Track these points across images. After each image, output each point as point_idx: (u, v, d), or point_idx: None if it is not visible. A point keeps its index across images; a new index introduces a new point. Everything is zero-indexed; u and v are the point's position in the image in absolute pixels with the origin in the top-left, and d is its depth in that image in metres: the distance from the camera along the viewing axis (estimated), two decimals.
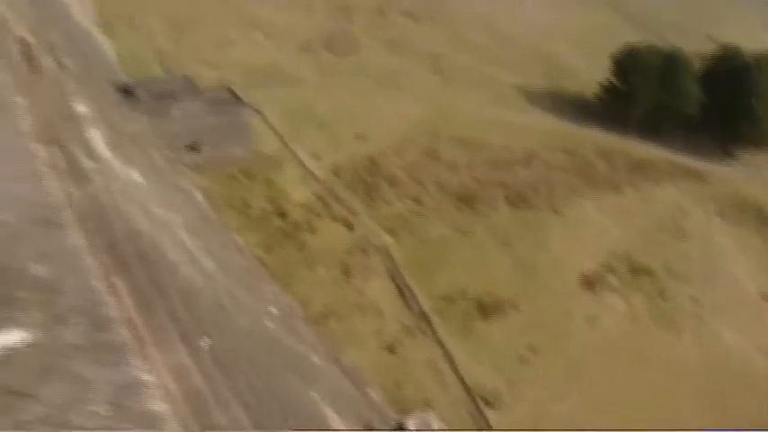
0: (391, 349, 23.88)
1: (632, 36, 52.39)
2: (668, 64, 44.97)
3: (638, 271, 30.66)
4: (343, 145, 34.26)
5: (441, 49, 50.04)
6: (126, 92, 33.56)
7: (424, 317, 25.56)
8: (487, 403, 22.73)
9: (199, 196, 24.64)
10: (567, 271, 29.51)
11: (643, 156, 40.26)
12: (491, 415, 22.40)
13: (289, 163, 32.04)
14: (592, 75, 47.93)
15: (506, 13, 58.46)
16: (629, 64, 45.12)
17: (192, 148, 30.61)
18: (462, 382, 23.38)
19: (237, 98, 37.21)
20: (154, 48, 42.59)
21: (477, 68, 48.00)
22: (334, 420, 7.17)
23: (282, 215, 28.53)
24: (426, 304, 26.03)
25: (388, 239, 28.79)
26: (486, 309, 26.40)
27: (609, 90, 46.24)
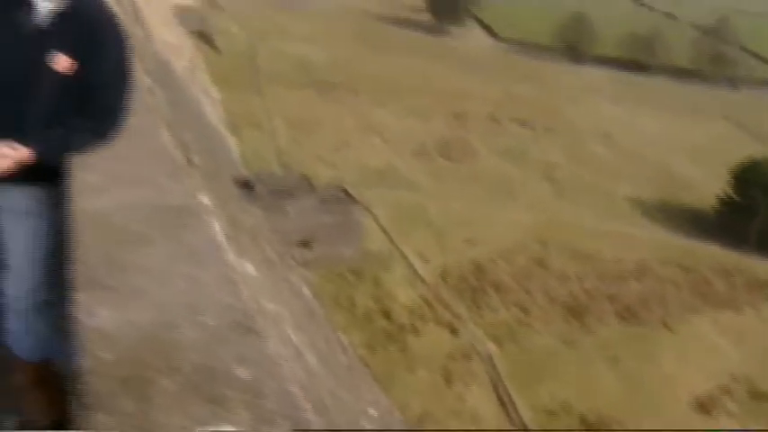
0: None
1: (752, 148, 51.39)
2: None
3: (759, 397, 29.16)
4: (452, 249, 35.08)
5: (554, 159, 50.78)
6: (246, 186, 35.97)
7: (524, 429, 25.29)
8: None
9: (307, 292, 25.89)
10: (679, 391, 28.50)
11: (763, 274, 38.77)
12: None
13: (397, 264, 33.07)
14: (709, 188, 47.14)
15: (622, 123, 58.88)
16: (749, 177, 44.06)
17: (305, 244, 32.21)
18: None
19: (351, 198, 38.93)
20: (275, 146, 45.62)
21: (591, 179, 48.28)
22: None
23: (387, 316, 29.32)
24: (527, 416, 25.79)
25: (492, 347, 28.95)
26: (591, 426, 25.82)
27: (727, 204, 45.13)
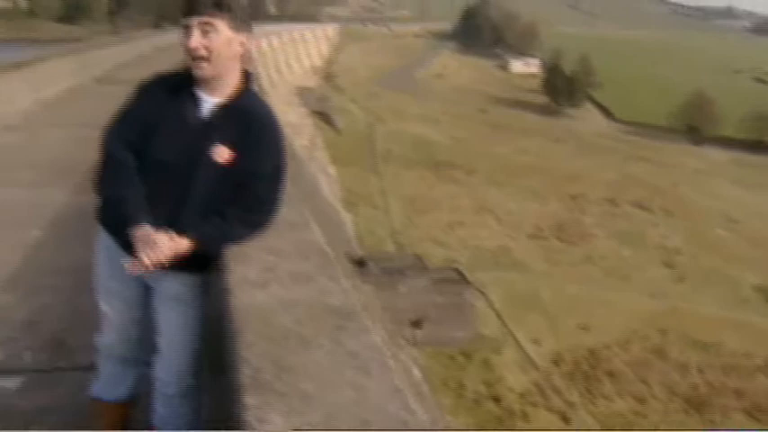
0: None
1: None
2: None
3: None
4: (566, 334, 34.86)
5: (674, 242, 49.63)
6: (359, 264, 37.26)
7: None
8: None
9: (416, 373, 26.45)
10: None
11: None
12: None
13: (508, 348, 33.19)
14: None
15: (746, 206, 56.99)
16: None
17: (415, 324, 32.87)
18: None
19: (464, 279, 39.37)
20: (389, 225, 46.95)
21: (713, 264, 46.74)
22: None
23: (497, 400, 29.37)
24: None
25: None
26: None
27: None
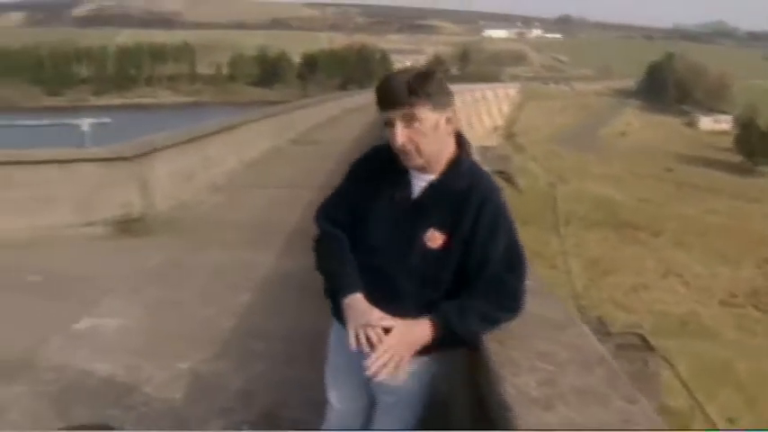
0: None
1: None
2: None
3: None
4: (765, 413, 33.27)
5: None
6: None
7: None
8: None
9: None
10: None
11: None
12: None
13: (698, 424, 32.15)
14: None
15: None
16: None
17: None
18: None
19: (647, 345, 38.42)
20: (570, 287, 46.63)
21: None
22: None
23: None
24: None
25: None
26: None
27: None
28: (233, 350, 4.84)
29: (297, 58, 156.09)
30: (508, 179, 64.65)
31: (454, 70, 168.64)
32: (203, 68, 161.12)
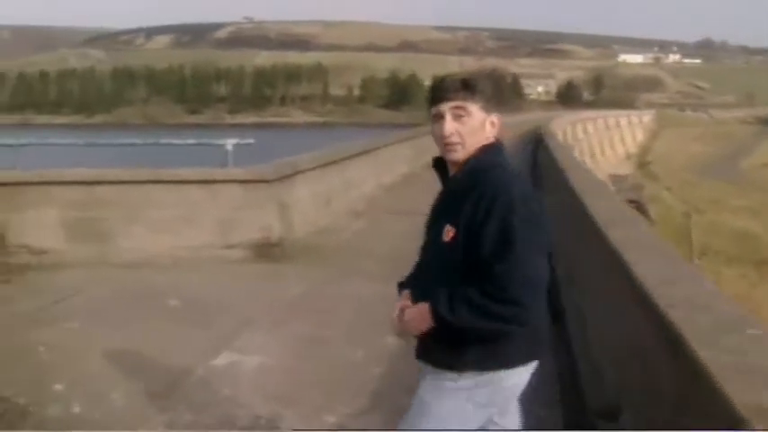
0: None
1: None
2: None
3: None
4: None
5: None
6: None
7: None
8: None
9: None
10: None
11: None
12: None
13: None
14: None
15: None
16: None
17: None
18: None
19: None
20: None
21: None
22: None
23: None
24: None
25: None
26: None
27: None
28: (384, 404, 4.35)
29: (427, 81, 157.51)
30: (640, 208, 61.97)
31: (586, 95, 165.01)
32: (335, 90, 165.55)
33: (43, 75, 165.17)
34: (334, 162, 10.82)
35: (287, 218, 8.45)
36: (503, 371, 2.29)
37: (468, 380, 2.28)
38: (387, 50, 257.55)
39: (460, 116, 2.29)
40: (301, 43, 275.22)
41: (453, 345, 2.26)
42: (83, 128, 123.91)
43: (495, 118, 2.36)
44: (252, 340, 5.51)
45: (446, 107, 2.29)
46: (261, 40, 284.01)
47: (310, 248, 8.53)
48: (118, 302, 6.39)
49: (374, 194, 13.10)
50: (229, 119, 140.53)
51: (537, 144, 30.12)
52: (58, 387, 4.49)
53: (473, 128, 2.30)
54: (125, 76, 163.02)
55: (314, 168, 9.65)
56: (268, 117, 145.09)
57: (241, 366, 5.00)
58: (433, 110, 2.33)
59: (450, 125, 2.28)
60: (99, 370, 4.83)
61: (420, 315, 2.28)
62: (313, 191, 9.66)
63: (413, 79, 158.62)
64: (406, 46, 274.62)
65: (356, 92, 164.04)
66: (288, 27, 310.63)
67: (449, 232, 2.27)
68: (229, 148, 7.99)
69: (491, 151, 2.35)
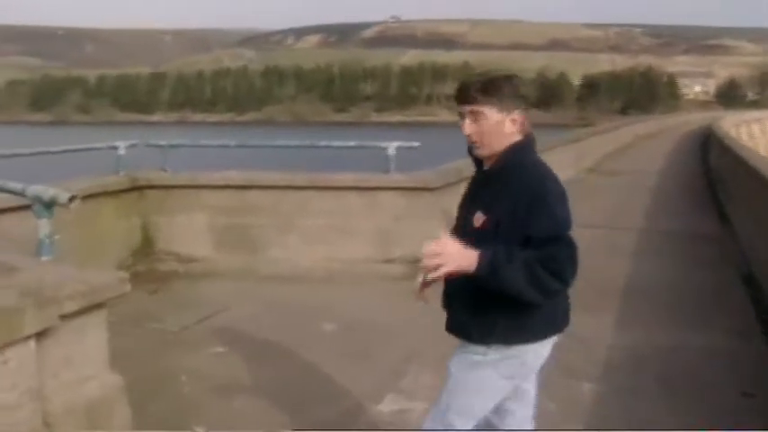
0: None
1: None
2: None
3: None
4: None
5: None
6: None
7: None
8: None
9: None
10: None
11: None
12: None
13: None
14: None
15: None
16: None
17: None
18: None
19: None
20: None
21: None
22: None
23: None
24: None
25: None
26: None
27: None
28: None
29: (576, 81, 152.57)
30: None
31: (751, 95, 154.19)
32: None
33: (199, 75, 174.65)
34: None
35: (450, 229, 7.65)
36: (528, 345, 2.50)
37: (495, 353, 2.50)
38: (534, 49, 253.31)
39: (478, 118, 2.47)
40: (447, 42, 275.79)
41: (484, 319, 2.47)
42: (234, 125, 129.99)
43: (516, 116, 2.49)
44: (419, 381, 4.71)
45: (464, 110, 2.49)
46: (407, 39, 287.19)
47: None
48: (267, 324, 5.80)
49: None
50: (375, 117, 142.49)
51: (706, 145, 27.86)
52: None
53: (489, 128, 2.47)
54: (275, 75, 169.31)
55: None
56: (413, 116, 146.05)
57: (408, 416, 4.22)
58: (458, 109, 2.53)
59: (468, 127, 2.49)
60: (244, 409, 4.24)
61: (465, 253, 2.32)
62: None
63: (562, 78, 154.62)
64: (555, 44, 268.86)
65: None
66: (435, 26, 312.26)
67: (479, 219, 2.45)
68: (392, 152, 7.24)
69: (520, 149, 2.51)
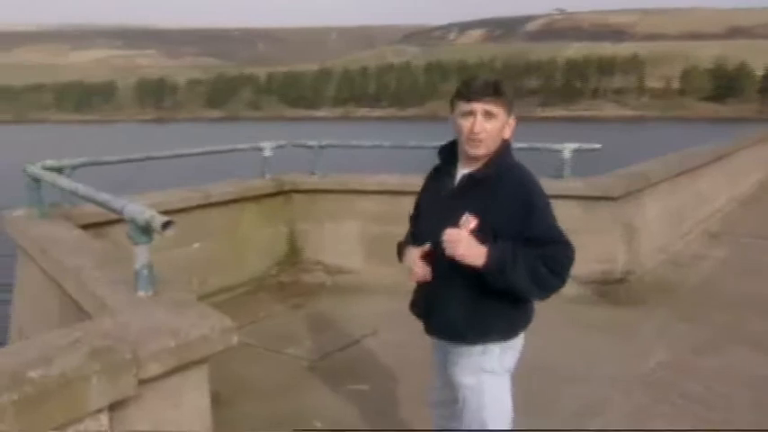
0: None
1: None
2: None
3: None
4: None
5: None
6: None
7: None
8: None
9: None
10: None
11: None
12: None
13: None
14: None
15: None
16: None
17: None
18: None
19: None
20: None
21: None
22: None
23: None
24: None
25: None
26: None
27: None
28: None
29: (759, 71, 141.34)
30: None
31: None
32: (652, 82, 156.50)
33: (363, 70, 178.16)
34: (686, 171, 8.60)
35: (633, 245, 6.56)
36: (519, 335, 2.62)
37: (495, 349, 2.57)
38: (711, 38, 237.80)
39: (490, 116, 2.45)
40: (616, 34, 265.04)
41: (480, 318, 2.52)
42: (396, 120, 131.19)
43: (512, 120, 2.55)
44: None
45: (479, 107, 2.44)
46: (573, 31, 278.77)
47: (664, 286, 6.53)
48: (418, 355, 5.02)
49: (728, 210, 10.66)
50: (539, 112, 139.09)
51: None
52: None
53: (497, 129, 2.48)
54: (437, 71, 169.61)
55: (666, 180, 7.61)
56: (578, 110, 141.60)
57: None
58: (465, 107, 2.47)
59: (480, 124, 2.44)
60: None
61: (472, 244, 2.37)
62: (662, 209, 7.63)
63: (742, 68, 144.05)
64: (735, 32, 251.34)
65: (675, 84, 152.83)
66: (602, 17, 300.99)
67: (470, 222, 2.42)
68: (567, 155, 6.23)
69: (509, 152, 2.57)
